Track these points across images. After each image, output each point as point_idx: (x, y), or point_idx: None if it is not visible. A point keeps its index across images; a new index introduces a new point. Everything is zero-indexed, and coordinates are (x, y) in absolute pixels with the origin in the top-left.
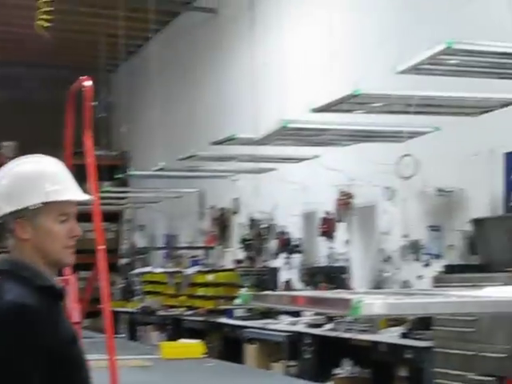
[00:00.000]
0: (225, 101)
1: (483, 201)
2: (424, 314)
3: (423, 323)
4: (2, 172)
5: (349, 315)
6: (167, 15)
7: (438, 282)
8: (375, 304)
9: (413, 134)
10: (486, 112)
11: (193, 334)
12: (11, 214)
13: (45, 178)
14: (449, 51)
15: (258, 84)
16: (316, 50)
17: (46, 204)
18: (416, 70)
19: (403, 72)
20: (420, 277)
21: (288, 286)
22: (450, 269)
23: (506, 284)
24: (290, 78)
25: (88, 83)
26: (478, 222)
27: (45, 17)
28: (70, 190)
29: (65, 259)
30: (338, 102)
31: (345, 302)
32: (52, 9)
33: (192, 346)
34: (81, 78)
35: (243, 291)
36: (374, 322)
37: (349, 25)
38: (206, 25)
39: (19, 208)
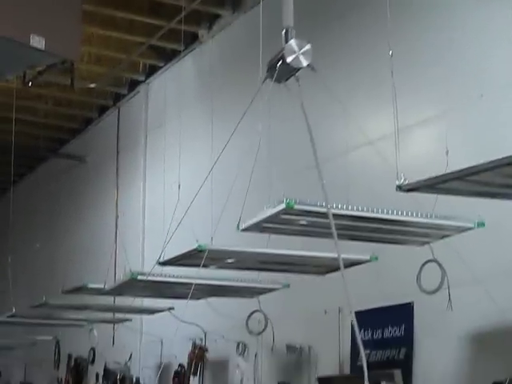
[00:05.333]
0: (85, 249)
1: (332, 359)
2: None
3: None
4: None
5: None
6: (34, 161)
7: None
8: None
9: (263, 290)
10: (334, 271)
11: None
12: None
13: None
14: (289, 211)
15: (118, 233)
16: (170, 204)
17: None
18: (258, 228)
19: (245, 230)
20: None
21: None
22: None
23: None
24: (148, 230)
25: None
26: (324, 381)
27: None
28: None
29: None
30: (184, 256)
31: None
32: None
33: None
34: None
35: None
36: None
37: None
38: (72, 171)
39: None
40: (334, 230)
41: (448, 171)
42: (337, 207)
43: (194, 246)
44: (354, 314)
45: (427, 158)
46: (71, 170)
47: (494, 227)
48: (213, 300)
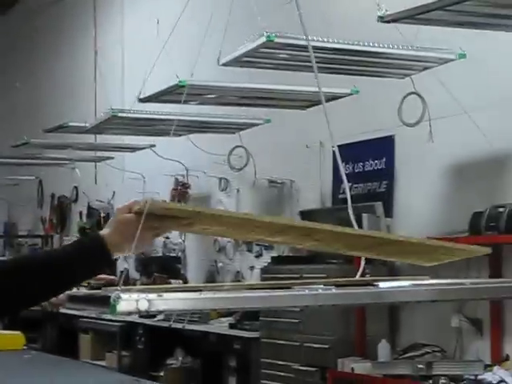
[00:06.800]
0: (65, 87)
1: (313, 193)
2: (183, 311)
3: (252, 313)
4: None
5: (109, 313)
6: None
7: (266, 273)
8: (131, 301)
9: (244, 126)
10: (315, 105)
11: (29, 324)
12: None
13: None
14: (269, 44)
15: (98, 71)
16: (149, 41)
17: None
18: (238, 62)
19: (226, 64)
20: (252, 267)
21: (126, 276)
22: (277, 260)
23: (328, 276)
24: (128, 67)
25: None
26: (305, 214)
27: None
28: None
29: None
30: (164, 92)
31: (104, 300)
32: None
33: (11, 338)
34: None
35: None
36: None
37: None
38: (49, 10)
39: None
40: (314, 63)
41: (430, 0)
42: (317, 40)
43: (175, 82)
44: (336, 147)
45: None
46: (49, 7)
47: (477, 59)
48: (194, 136)
